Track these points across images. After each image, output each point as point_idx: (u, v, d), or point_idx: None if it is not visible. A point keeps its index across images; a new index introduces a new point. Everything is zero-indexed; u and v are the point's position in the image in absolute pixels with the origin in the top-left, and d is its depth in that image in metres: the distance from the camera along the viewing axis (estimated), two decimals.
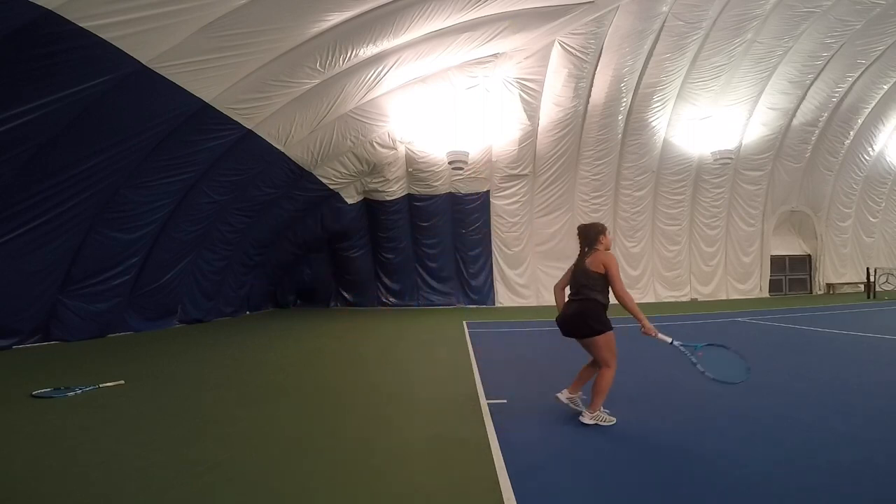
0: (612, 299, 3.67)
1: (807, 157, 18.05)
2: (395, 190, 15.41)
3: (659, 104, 15.46)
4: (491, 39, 11.84)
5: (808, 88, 16.30)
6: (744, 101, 16.15)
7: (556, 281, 4.07)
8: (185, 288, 11.12)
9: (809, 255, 19.91)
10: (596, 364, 3.69)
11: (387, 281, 16.70)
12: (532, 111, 14.65)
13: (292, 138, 11.22)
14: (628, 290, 3.61)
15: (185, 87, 7.85)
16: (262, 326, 11.45)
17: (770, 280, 18.93)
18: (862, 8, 14.10)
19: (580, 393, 3.83)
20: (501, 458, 2.92)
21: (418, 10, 9.29)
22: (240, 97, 8.94)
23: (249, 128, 9.89)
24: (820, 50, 15.23)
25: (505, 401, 4.26)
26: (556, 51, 13.47)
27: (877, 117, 18.18)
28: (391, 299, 16.65)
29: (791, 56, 15.21)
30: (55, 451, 3.14)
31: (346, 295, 17.13)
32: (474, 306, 16.07)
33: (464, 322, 11.20)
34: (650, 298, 17.01)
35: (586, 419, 3.53)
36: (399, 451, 3.11)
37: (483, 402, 4.21)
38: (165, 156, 8.76)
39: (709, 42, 14.23)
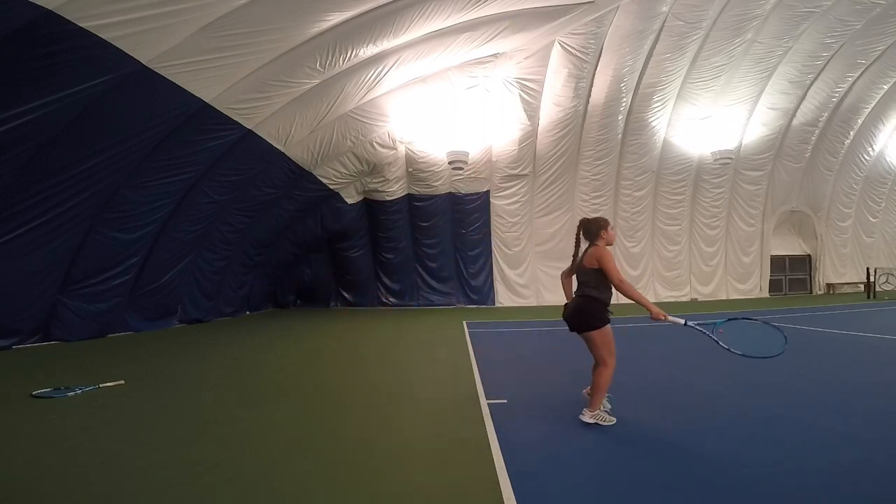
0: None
1: (807, 157, 18.05)
2: (395, 190, 15.42)
3: (659, 104, 15.46)
4: (491, 39, 11.84)
5: (808, 88, 16.30)
6: (744, 101, 16.14)
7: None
8: (185, 288, 11.12)
9: (809, 255, 19.91)
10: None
11: (387, 281, 16.70)
12: (532, 111, 14.65)
13: (292, 138, 11.22)
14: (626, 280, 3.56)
15: (185, 87, 7.85)
16: (262, 326, 11.45)
17: (770, 280, 18.92)
18: (862, 8, 14.10)
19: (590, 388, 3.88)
20: (501, 458, 2.92)
21: (418, 10, 9.29)
22: (240, 97, 8.94)
23: (249, 128, 9.89)
24: (820, 50, 15.23)
25: (505, 401, 4.26)
26: (556, 51, 13.47)
27: (877, 117, 18.17)
28: (391, 299, 16.65)
29: (791, 56, 15.21)
30: (55, 451, 3.14)
31: (346, 295, 17.13)
32: (474, 306, 16.07)
33: (464, 322, 11.20)
34: (650, 298, 16.74)
35: (586, 417, 3.54)
36: (399, 451, 3.11)
37: (483, 402, 4.21)
38: (165, 156, 8.76)
39: (709, 42, 14.23)
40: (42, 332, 8.17)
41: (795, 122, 17.07)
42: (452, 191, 15.84)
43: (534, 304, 16.01)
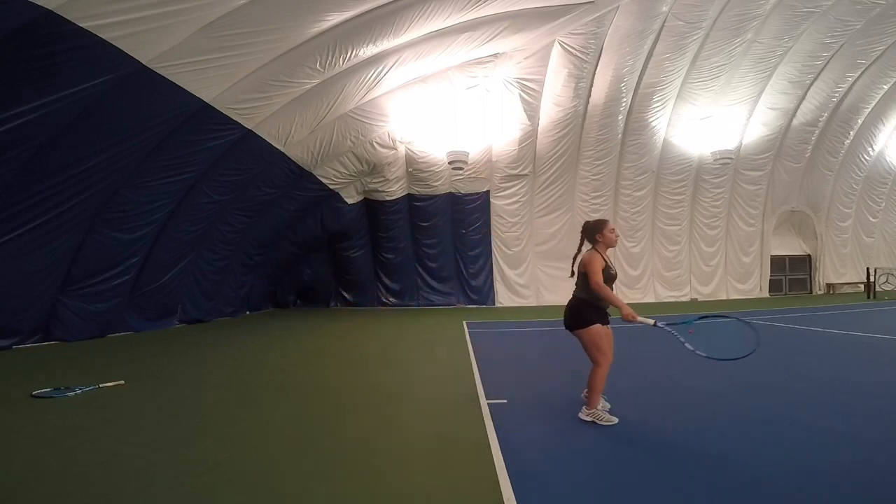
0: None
1: (807, 157, 18.05)
2: (395, 190, 15.42)
3: (659, 104, 15.46)
4: (491, 39, 11.84)
5: (808, 88, 16.30)
6: (744, 101, 16.15)
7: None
8: (185, 288, 11.12)
9: (809, 255, 19.91)
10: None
11: (387, 281, 16.70)
12: (532, 111, 14.65)
13: (292, 138, 11.22)
14: (619, 286, 3.60)
15: (185, 87, 7.85)
16: (262, 326, 11.45)
17: (770, 280, 18.92)
18: (862, 8, 14.10)
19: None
20: (501, 458, 2.92)
21: (418, 10, 9.29)
22: (240, 97, 8.94)
23: (249, 128, 9.89)
24: (820, 50, 15.23)
25: (505, 401, 4.26)
26: (556, 51, 13.47)
27: (877, 117, 18.18)
28: (391, 299, 16.65)
29: (791, 56, 15.21)
30: (55, 451, 3.14)
31: (346, 295, 17.13)
32: (474, 306, 16.07)
33: (464, 322, 11.20)
34: (650, 298, 17.02)
35: (583, 415, 3.61)
36: (399, 451, 3.11)
37: (483, 402, 4.21)
38: (165, 156, 8.76)
39: (709, 42, 14.23)
40: (42, 332, 8.17)
41: (795, 122, 17.07)
42: (452, 191, 15.84)
43: (534, 304, 16.00)
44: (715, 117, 15.88)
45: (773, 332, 8.87)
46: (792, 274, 19.90)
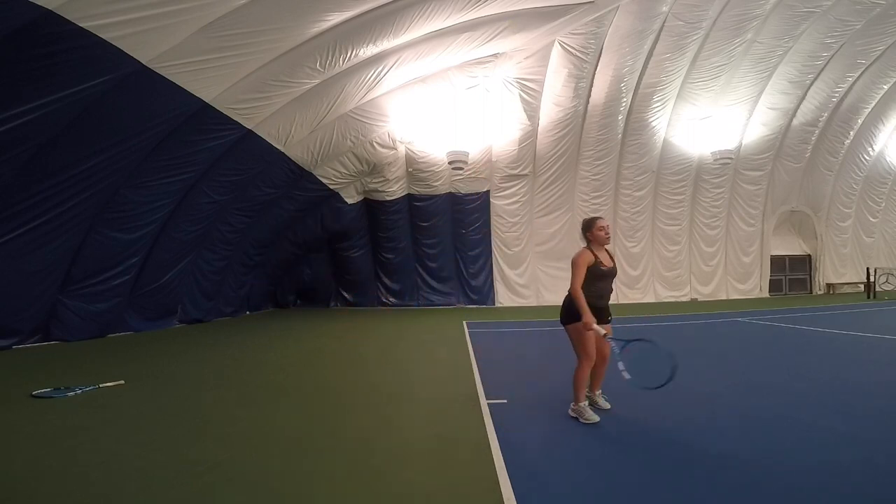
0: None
1: (807, 157, 18.05)
2: (395, 190, 15.41)
3: (659, 104, 15.46)
4: (491, 39, 11.84)
5: (808, 88, 16.30)
6: (744, 101, 16.14)
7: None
8: (185, 288, 11.12)
9: (809, 255, 19.90)
10: (602, 361, 3.86)
11: (387, 281, 16.70)
12: (532, 111, 14.65)
13: (292, 138, 11.22)
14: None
15: (185, 87, 7.85)
16: (262, 326, 11.45)
17: (770, 280, 18.92)
18: (862, 8, 14.10)
19: (599, 391, 3.98)
20: (501, 458, 2.92)
21: (418, 10, 9.29)
22: (240, 97, 8.94)
23: (249, 128, 9.89)
24: (820, 50, 15.23)
25: (505, 401, 4.26)
26: (556, 51, 13.47)
27: (877, 117, 18.17)
28: (391, 299, 16.65)
29: (791, 56, 15.21)
30: (55, 451, 3.14)
31: (346, 295, 17.12)
32: (474, 306, 16.06)
33: (464, 322, 11.20)
34: (650, 298, 17.01)
35: (570, 410, 3.72)
36: (399, 451, 3.11)
37: (483, 402, 4.21)
38: (165, 156, 8.76)
39: (709, 42, 14.23)
40: (42, 332, 8.17)
41: (795, 122, 17.07)
42: (452, 191, 15.84)
43: (534, 304, 15.99)
44: (715, 117, 15.88)
45: (773, 332, 8.87)
46: (792, 274, 19.89)
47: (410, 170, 15.27)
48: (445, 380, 5.28)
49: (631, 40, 13.52)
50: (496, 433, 3.36)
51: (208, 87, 8.21)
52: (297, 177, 12.76)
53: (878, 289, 17.45)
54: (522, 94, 14.36)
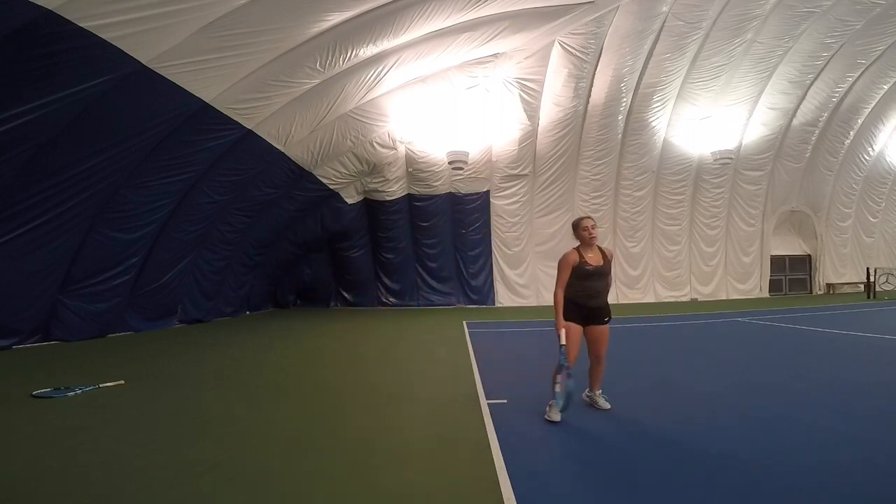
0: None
1: (807, 157, 18.05)
2: (395, 190, 15.41)
3: (659, 104, 15.46)
4: (491, 39, 11.84)
5: (808, 88, 16.30)
6: (744, 101, 16.15)
7: (555, 281, 4.16)
8: (185, 288, 11.11)
9: (809, 255, 19.90)
10: (597, 362, 3.87)
11: (387, 281, 16.70)
12: (532, 111, 14.65)
13: (292, 138, 11.22)
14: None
15: (185, 87, 7.85)
16: (262, 326, 11.45)
17: (770, 280, 18.92)
18: (862, 8, 14.10)
19: (599, 391, 3.99)
20: (501, 458, 2.92)
21: (418, 10, 9.29)
22: (240, 97, 8.94)
23: (249, 128, 9.88)
24: (820, 50, 15.23)
25: (505, 401, 4.26)
26: (556, 51, 13.47)
27: (877, 117, 18.17)
28: (391, 299, 16.65)
29: (791, 56, 15.21)
30: (55, 451, 3.14)
31: (346, 295, 17.12)
32: (474, 306, 16.06)
33: (464, 322, 11.20)
34: (650, 298, 17.01)
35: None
36: (399, 451, 3.11)
37: (483, 402, 4.21)
38: (165, 156, 8.75)
39: (709, 42, 14.23)
40: (42, 332, 8.16)
41: (795, 122, 17.07)
42: (452, 191, 15.84)
43: (534, 304, 16.00)
44: (715, 117, 15.88)
45: (773, 332, 8.87)
46: (792, 274, 19.89)
47: (410, 170, 15.27)
48: (445, 380, 5.28)
49: (631, 40, 13.52)
50: (496, 433, 3.36)
51: (208, 87, 8.21)
52: (297, 177, 12.75)
53: (878, 289, 17.44)
54: (522, 94, 14.36)
